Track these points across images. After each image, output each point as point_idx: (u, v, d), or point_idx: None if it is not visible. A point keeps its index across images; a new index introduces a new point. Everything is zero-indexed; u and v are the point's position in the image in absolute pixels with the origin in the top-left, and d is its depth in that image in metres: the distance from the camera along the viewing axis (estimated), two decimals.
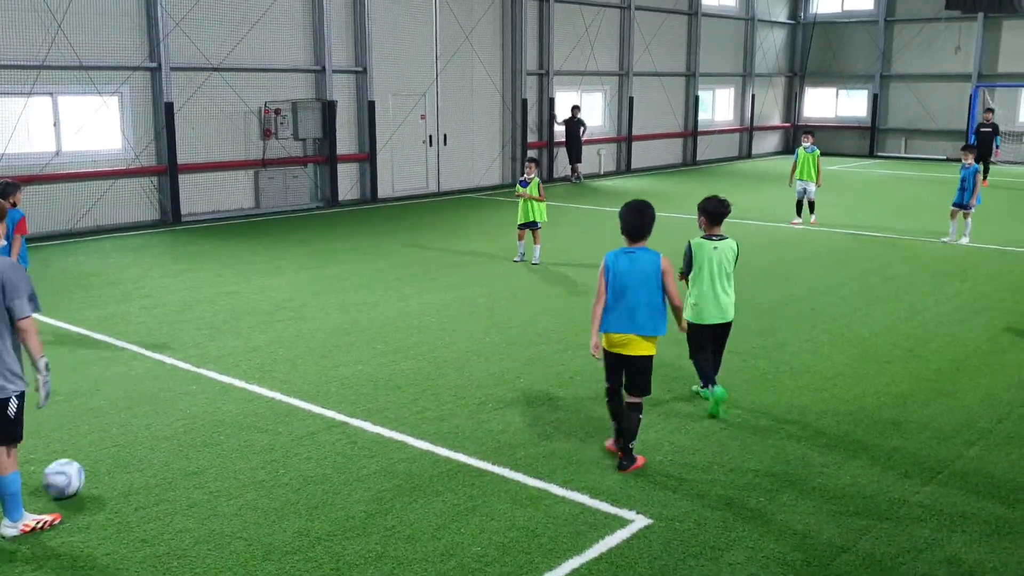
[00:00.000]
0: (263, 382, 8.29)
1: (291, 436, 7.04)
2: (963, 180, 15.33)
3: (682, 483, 6.22)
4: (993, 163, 24.22)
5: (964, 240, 15.45)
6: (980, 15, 30.29)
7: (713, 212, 7.45)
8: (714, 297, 7.44)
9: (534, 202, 13.60)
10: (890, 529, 5.60)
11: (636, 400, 6.46)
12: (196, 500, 5.97)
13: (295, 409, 7.63)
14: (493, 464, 6.52)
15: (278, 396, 7.94)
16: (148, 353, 9.18)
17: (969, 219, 15.48)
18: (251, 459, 6.61)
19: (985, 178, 22.13)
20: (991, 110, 25.25)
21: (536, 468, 6.44)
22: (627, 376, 6.42)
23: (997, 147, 23.91)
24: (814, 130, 18.68)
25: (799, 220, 17.62)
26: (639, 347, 6.31)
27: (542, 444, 6.88)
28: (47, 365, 5.43)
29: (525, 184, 13.70)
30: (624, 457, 6.44)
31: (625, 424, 6.40)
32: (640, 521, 5.67)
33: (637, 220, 6.31)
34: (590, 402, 7.80)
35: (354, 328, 10.15)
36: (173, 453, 6.72)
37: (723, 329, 7.61)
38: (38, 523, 5.54)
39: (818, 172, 17.16)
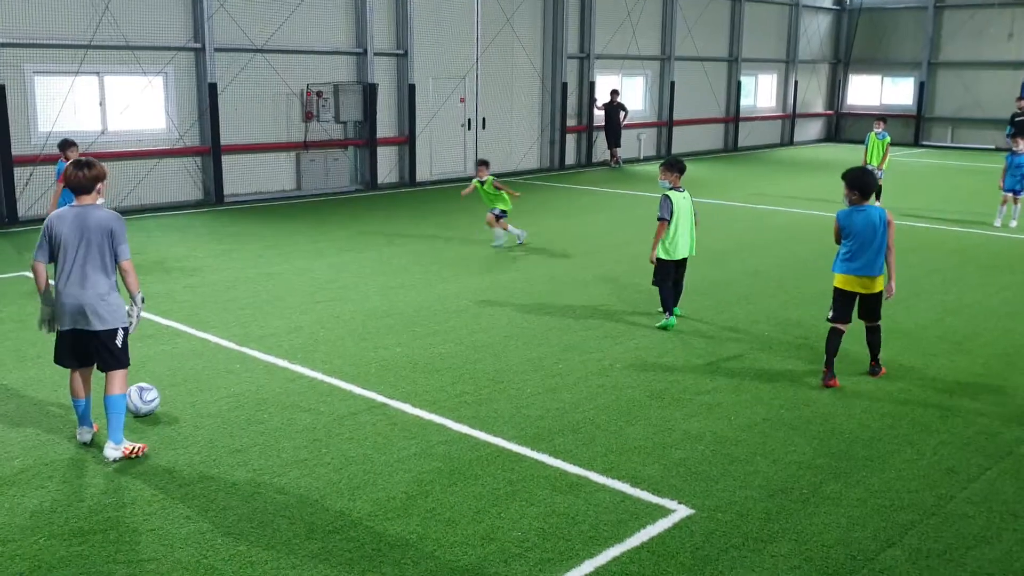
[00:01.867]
0: (305, 362, 8.35)
1: (333, 416, 7.09)
2: (1020, 166, 15.65)
3: (724, 474, 6.16)
4: None
5: (1013, 223, 15.81)
6: None
7: (678, 165, 9.56)
8: (687, 237, 9.55)
9: (490, 198, 13.73)
10: (937, 525, 5.52)
11: (876, 324, 8.09)
12: (240, 478, 6.03)
13: (336, 389, 7.68)
14: (532, 450, 6.51)
15: (320, 376, 7.99)
16: (192, 331, 9.28)
17: (1020, 204, 15.90)
18: (294, 438, 6.67)
19: None
20: (1021, 98, 25.03)
21: (576, 455, 6.42)
22: (867, 309, 8.00)
23: None
24: (886, 117, 19.14)
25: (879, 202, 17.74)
26: (877, 285, 7.87)
27: (581, 431, 6.86)
28: (143, 299, 6.47)
29: (482, 182, 13.85)
30: (875, 365, 8.18)
31: (873, 340, 8.14)
32: (682, 511, 5.63)
33: (868, 181, 7.96)
34: (630, 389, 7.76)
35: (393, 310, 10.19)
36: (217, 431, 6.80)
37: (684, 263, 9.77)
38: (133, 449, 6.34)
39: (883, 157, 17.64)
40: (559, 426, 6.95)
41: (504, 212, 13.84)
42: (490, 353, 8.71)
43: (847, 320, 7.93)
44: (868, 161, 17.79)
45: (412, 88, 20.89)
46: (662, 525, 5.46)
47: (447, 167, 22.32)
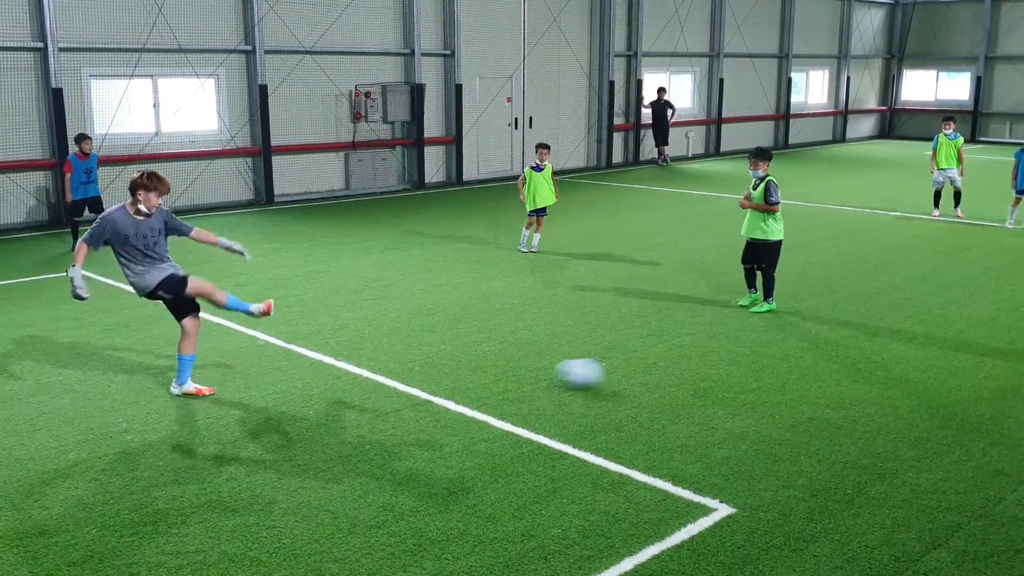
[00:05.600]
0: (351, 359, 8.47)
1: (377, 413, 7.18)
2: None
3: (767, 474, 6.12)
4: None
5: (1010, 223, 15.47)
6: None
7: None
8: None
9: (545, 189, 13.20)
10: (985, 527, 5.42)
11: None
12: (285, 473, 6.14)
13: (381, 386, 7.78)
14: (574, 448, 6.53)
15: (365, 373, 8.10)
16: (241, 329, 9.46)
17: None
18: (338, 434, 6.77)
19: None
20: None
21: (618, 453, 6.42)
22: None
23: None
24: (955, 115, 17.64)
25: (938, 212, 16.45)
26: None
27: (624, 429, 6.86)
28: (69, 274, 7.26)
29: (539, 170, 13.26)
30: None
31: None
32: (723, 510, 5.61)
33: None
34: (673, 388, 7.73)
35: (438, 308, 10.27)
36: (264, 426, 6.92)
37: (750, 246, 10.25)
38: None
39: (961, 160, 16.23)
40: (601, 424, 6.96)
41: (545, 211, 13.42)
42: (534, 351, 8.74)
43: None
44: (940, 165, 16.23)
45: (459, 88, 20.99)
46: (703, 524, 5.44)
47: (494, 166, 22.39)
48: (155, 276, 7.42)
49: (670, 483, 5.96)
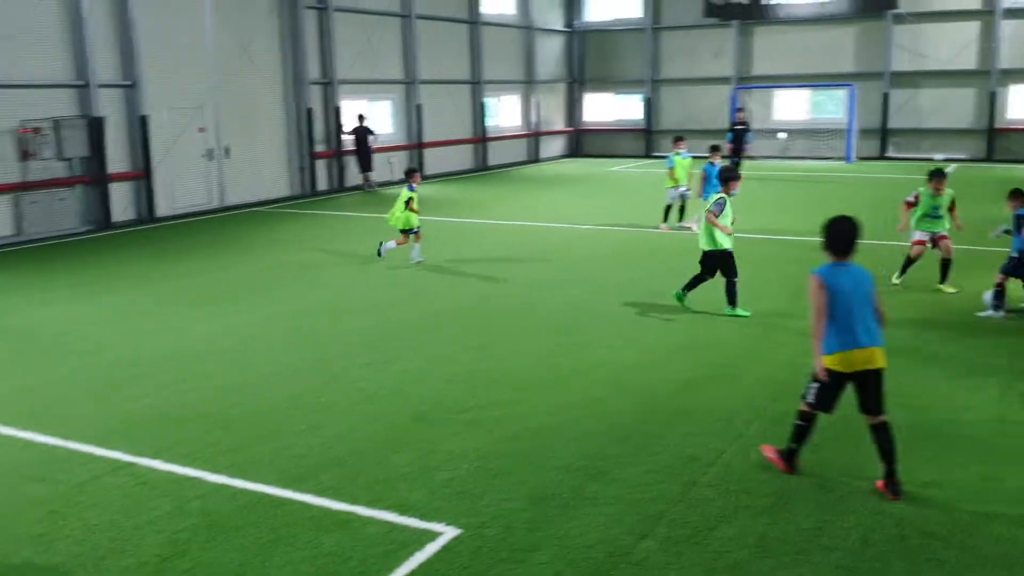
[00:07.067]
0: (37, 427, 7.61)
1: (72, 483, 6.51)
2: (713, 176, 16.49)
3: (488, 490, 6.27)
4: (747, 158, 26.21)
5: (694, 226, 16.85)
6: (735, 22, 32.81)
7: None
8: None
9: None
10: (684, 510, 5.91)
11: (883, 419, 6.07)
12: None
13: (75, 454, 7.06)
14: (295, 491, 6.31)
15: (55, 441, 7.31)
16: None
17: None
18: (27, 513, 6.05)
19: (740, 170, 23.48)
20: (741, 109, 27.75)
21: (341, 491, 6.29)
22: (867, 395, 6.04)
23: (749, 143, 26.01)
24: (684, 135, 18.98)
25: (668, 226, 17.47)
26: (880, 359, 6.03)
27: (346, 464, 6.74)
28: None
29: (413, 189, 14.81)
30: (889, 486, 6.02)
31: (888, 446, 6.04)
32: (450, 532, 5.67)
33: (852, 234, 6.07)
34: (393, 415, 7.73)
35: (138, 359, 9.54)
36: None
37: None
38: None
39: (689, 176, 17.44)
40: (323, 462, 6.79)
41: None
42: (247, 395, 8.36)
43: (831, 408, 6.25)
44: (681, 181, 17.25)
45: (144, 119, 19.75)
46: (430, 550, 5.46)
47: (191, 200, 21.26)
48: None
49: (396, 513, 5.94)
